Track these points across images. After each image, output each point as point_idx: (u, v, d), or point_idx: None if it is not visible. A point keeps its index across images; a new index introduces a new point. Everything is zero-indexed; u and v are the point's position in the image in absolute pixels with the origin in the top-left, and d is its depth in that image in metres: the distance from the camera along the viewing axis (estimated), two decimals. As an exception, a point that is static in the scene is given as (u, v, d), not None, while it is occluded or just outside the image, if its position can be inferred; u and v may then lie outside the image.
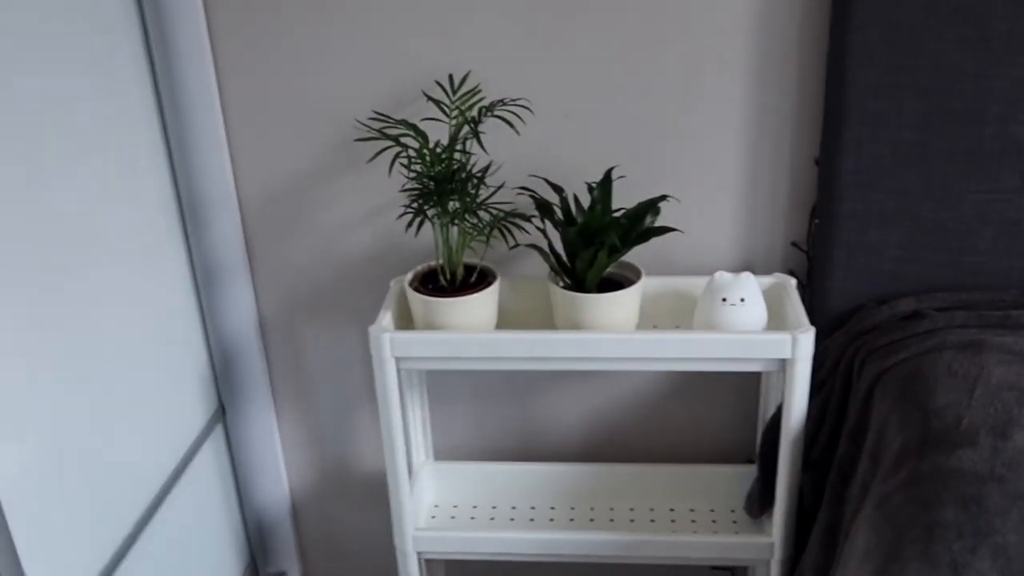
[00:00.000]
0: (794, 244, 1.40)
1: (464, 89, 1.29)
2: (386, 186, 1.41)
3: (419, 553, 1.40)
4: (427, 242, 1.40)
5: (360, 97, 1.37)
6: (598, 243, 1.21)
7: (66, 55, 1.15)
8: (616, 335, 1.23)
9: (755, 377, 1.49)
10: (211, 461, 1.54)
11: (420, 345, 1.25)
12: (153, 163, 1.36)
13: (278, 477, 1.66)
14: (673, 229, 1.25)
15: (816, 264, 1.34)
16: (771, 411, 1.41)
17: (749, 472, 1.48)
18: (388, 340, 1.24)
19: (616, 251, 1.23)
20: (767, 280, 1.34)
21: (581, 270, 1.23)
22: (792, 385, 1.23)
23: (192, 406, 1.48)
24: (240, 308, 1.52)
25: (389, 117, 1.27)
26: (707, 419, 1.55)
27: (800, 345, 1.20)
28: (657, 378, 1.53)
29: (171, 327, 1.42)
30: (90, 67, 1.20)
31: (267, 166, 1.44)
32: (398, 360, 1.26)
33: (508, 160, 1.37)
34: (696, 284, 1.36)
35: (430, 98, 1.30)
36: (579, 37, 1.32)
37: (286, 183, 1.45)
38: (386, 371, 1.26)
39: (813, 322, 1.24)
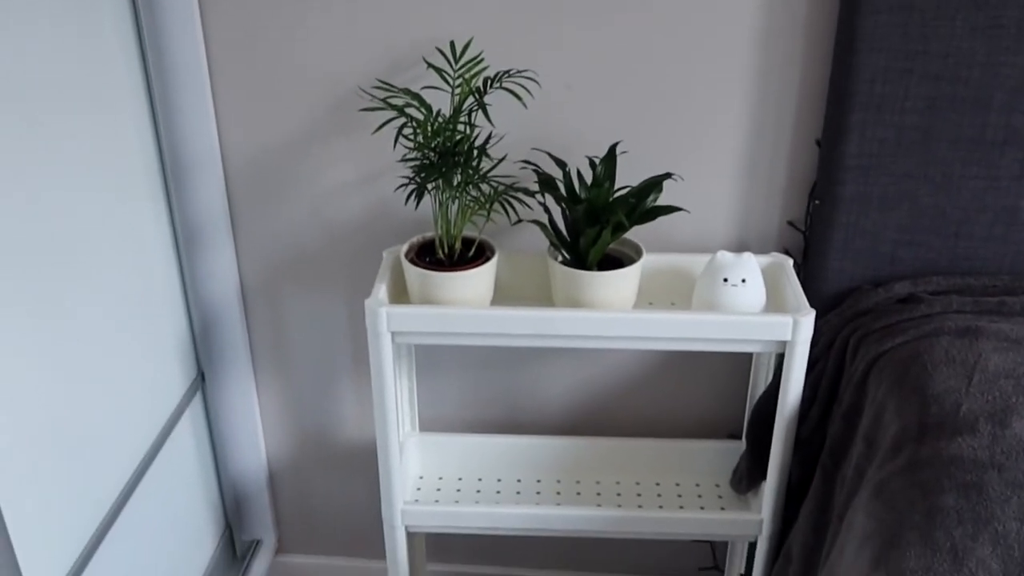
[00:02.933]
0: (790, 223, 1.40)
1: (466, 58, 1.25)
2: (378, 153, 1.38)
3: (406, 526, 1.39)
4: (419, 211, 1.37)
5: (353, 61, 1.33)
6: (603, 221, 1.19)
7: (48, 14, 1.09)
8: (623, 314, 1.21)
9: (745, 355, 1.49)
10: (190, 429, 1.51)
11: (418, 320, 1.23)
12: (137, 123, 1.31)
13: (256, 445, 1.63)
14: (679, 209, 1.24)
15: (813, 244, 1.34)
16: (759, 389, 1.42)
17: (733, 448, 1.49)
18: (385, 314, 1.22)
19: (621, 229, 1.21)
20: (764, 260, 1.34)
21: (584, 248, 1.21)
22: (790, 366, 1.23)
23: (172, 373, 1.44)
24: (222, 273, 1.48)
25: (392, 86, 1.23)
26: (693, 394, 1.55)
27: (801, 328, 1.20)
28: (646, 353, 1.53)
29: (151, 292, 1.37)
30: (74, 26, 1.15)
31: (254, 129, 1.40)
32: (394, 334, 1.24)
33: (509, 131, 1.34)
34: (691, 261, 1.35)
35: (431, 65, 1.26)
36: (582, 8, 1.29)
37: (273, 147, 1.41)
38: (381, 345, 1.24)
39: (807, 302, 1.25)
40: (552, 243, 1.27)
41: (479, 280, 1.26)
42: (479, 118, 1.24)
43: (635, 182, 1.28)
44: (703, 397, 1.55)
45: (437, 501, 1.46)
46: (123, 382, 1.29)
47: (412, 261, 1.26)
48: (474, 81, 1.23)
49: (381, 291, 1.26)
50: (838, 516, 1.16)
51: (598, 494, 1.47)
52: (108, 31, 1.23)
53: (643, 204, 1.23)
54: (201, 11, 1.32)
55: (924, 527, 0.96)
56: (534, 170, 1.27)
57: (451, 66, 1.24)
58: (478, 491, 1.48)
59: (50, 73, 1.10)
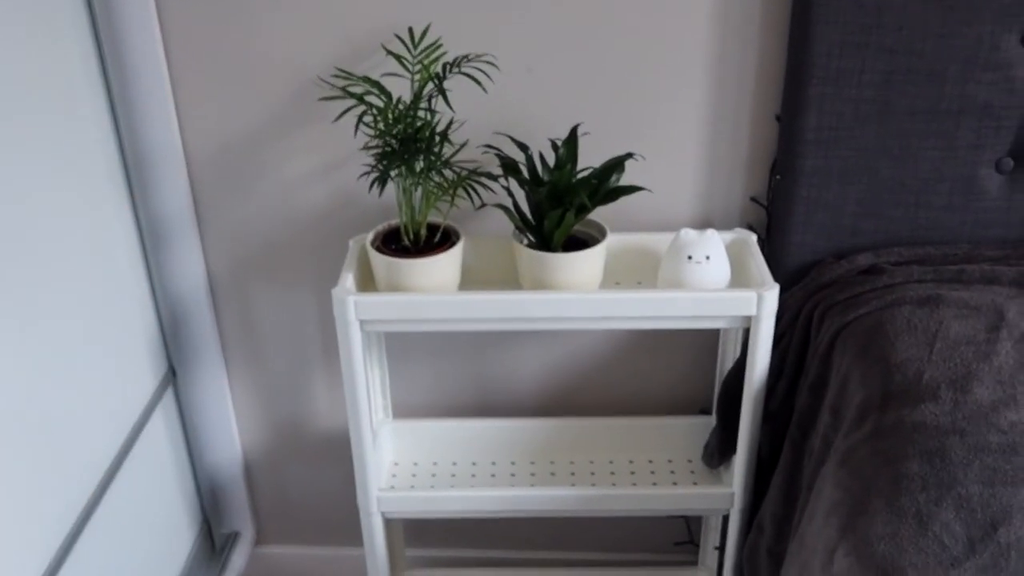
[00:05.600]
0: (753, 199, 1.41)
1: (425, 43, 1.25)
2: (341, 141, 1.38)
3: (383, 513, 1.40)
4: (384, 199, 1.37)
5: (312, 49, 1.33)
6: (567, 203, 1.20)
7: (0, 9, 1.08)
8: (589, 295, 1.22)
9: (713, 330, 1.50)
10: (163, 425, 1.51)
11: (386, 308, 1.23)
12: (95, 117, 1.30)
13: (230, 438, 1.63)
14: (642, 188, 1.25)
15: (775, 219, 1.35)
16: (728, 364, 1.43)
17: (704, 423, 1.51)
18: (352, 303, 1.22)
19: (584, 210, 1.22)
20: (728, 236, 1.35)
21: (548, 230, 1.22)
22: (756, 341, 1.24)
23: (142, 370, 1.44)
24: (189, 267, 1.48)
25: (351, 74, 1.23)
26: (663, 371, 1.56)
27: (765, 302, 1.21)
28: (614, 332, 1.54)
29: (118, 289, 1.37)
30: (27, 21, 1.13)
31: (215, 120, 1.39)
32: (362, 323, 1.24)
33: (470, 116, 1.34)
34: (657, 240, 1.36)
35: (390, 52, 1.26)
36: (540, -11, 1.29)
37: (235, 138, 1.40)
38: (350, 334, 1.24)
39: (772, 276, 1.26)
40: (517, 226, 1.27)
41: (445, 265, 1.26)
42: (440, 104, 1.24)
43: (597, 163, 1.28)
44: (673, 374, 1.57)
45: (412, 487, 1.47)
46: (93, 380, 1.28)
47: (378, 249, 1.27)
48: (433, 67, 1.23)
49: (348, 280, 1.26)
50: (807, 486, 1.18)
51: (572, 474, 1.49)
52: (63, 25, 1.21)
53: (605, 185, 1.24)
54: (158, 4, 1.31)
55: (889, 494, 0.98)
56: (496, 154, 1.27)
57: (410, 52, 1.24)
58: (453, 475, 1.49)
59: (3, 70, 1.08)
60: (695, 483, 1.45)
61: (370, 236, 1.30)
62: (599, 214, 1.28)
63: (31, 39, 1.14)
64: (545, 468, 1.50)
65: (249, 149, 1.40)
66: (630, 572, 1.70)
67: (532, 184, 1.24)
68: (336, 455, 1.65)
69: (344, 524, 1.71)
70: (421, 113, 1.21)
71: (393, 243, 1.29)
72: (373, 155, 1.22)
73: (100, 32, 1.29)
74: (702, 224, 1.42)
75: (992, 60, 1.22)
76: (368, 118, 1.21)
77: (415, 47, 1.24)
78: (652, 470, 1.49)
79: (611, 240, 1.29)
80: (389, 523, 1.46)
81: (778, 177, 1.33)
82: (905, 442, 1.02)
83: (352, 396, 1.29)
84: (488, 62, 1.26)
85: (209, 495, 1.66)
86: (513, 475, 1.49)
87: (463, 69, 1.21)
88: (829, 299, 1.28)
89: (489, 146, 1.30)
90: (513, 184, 1.27)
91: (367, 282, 1.33)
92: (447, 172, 1.25)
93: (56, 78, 1.20)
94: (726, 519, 1.42)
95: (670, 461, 1.50)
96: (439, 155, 1.23)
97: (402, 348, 1.55)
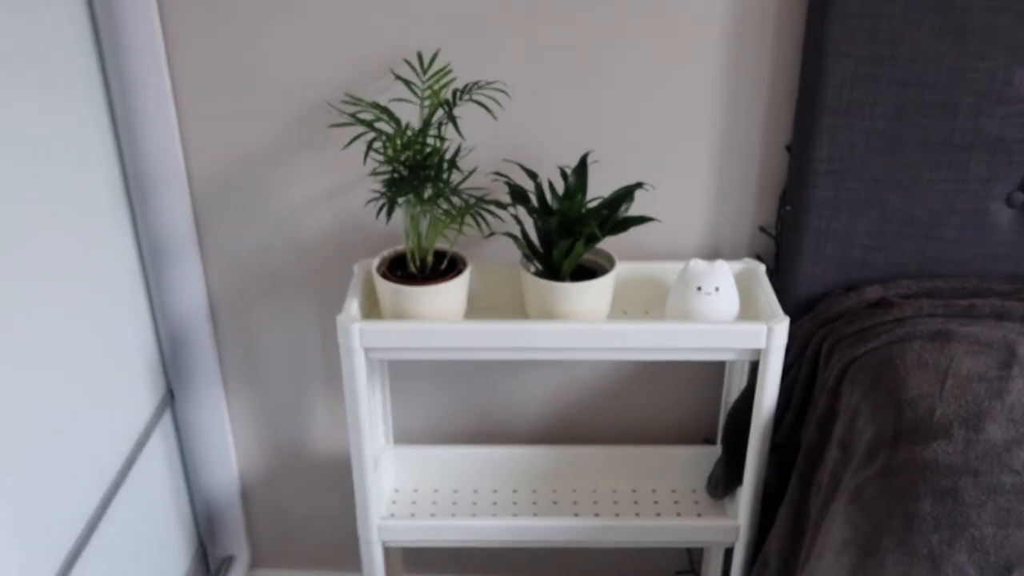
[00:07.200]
0: (762, 229, 1.40)
1: (434, 69, 1.24)
2: (347, 166, 1.36)
3: (383, 542, 1.38)
4: (389, 224, 1.35)
5: (320, 72, 1.31)
6: (576, 233, 1.18)
7: (2, 29, 1.06)
8: (596, 326, 1.21)
9: (719, 361, 1.49)
10: (161, 447, 1.49)
11: (391, 336, 1.21)
12: (97, 136, 1.28)
13: (228, 461, 1.61)
14: (651, 219, 1.23)
15: (784, 250, 1.34)
16: (734, 394, 1.42)
17: (708, 452, 1.50)
18: (357, 330, 1.20)
19: (594, 240, 1.21)
20: (736, 266, 1.34)
21: (557, 259, 1.21)
22: (765, 373, 1.23)
23: (141, 392, 1.42)
24: (189, 289, 1.46)
25: (361, 100, 1.21)
26: (667, 400, 1.55)
27: (775, 335, 1.20)
28: (620, 361, 1.53)
29: (117, 310, 1.35)
30: (29, 34, 1.11)
31: (219, 141, 1.37)
32: (367, 350, 1.22)
33: (479, 143, 1.33)
34: (665, 269, 1.35)
35: (399, 77, 1.24)
36: (549, 17, 1.28)
37: (240, 160, 1.39)
38: (355, 361, 1.22)
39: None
40: (525, 255, 1.26)
41: (452, 293, 1.25)
42: (449, 130, 1.23)
43: (606, 191, 1.27)
44: (677, 403, 1.55)
45: (413, 515, 1.45)
46: (91, 402, 1.26)
47: (384, 275, 1.25)
48: (443, 93, 1.21)
49: (353, 306, 1.24)
50: (815, 522, 1.17)
51: (575, 503, 1.47)
52: (65, 42, 1.20)
53: (615, 215, 1.23)
54: (163, 24, 1.30)
55: (901, 533, 0.96)
56: (505, 182, 1.26)
57: (419, 78, 1.23)
58: (454, 503, 1.47)
59: (6, 88, 1.07)
60: (699, 514, 1.44)
61: (376, 262, 1.28)
62: (607, 242, 1.27)
63: (32, 56, 1.12)
64: (547, 496, 1.48)
65: (253, 171, 1.39)
66: (630, 601, 1.69)
67: (541, 213, 1.23)
68: (334, 479, 1.63)
69: (341, 549, 1.70)
70: (430, 140, 1.20)
71: (399, 269, 1.28)
72: (381, 181, 1.20)
73: (104, 50, 1.27)
74: (710, 253, 1.41)
75: (1005, 94, 1.21)
76: (377, 144, 1.19)
77: (424, 72, 1.23)
78: (655, 500, 1.47)
79: (620, 269, 1.28)
80: (388, 550, 1.44)
81: (788, 208, 1.32)
82: (917, 480, 1.01)
83: (355, 423, 1.27)
84: (498, 89, 1.25)
85: (205, 518, 1.64)
86: (515, 503, 1.47)
87: (473, 96, 1.20)
88: (838, 332, 1.26)
89: (498, 173, 1.29)
90: (521, 212, 1.26)
91: (372, 308, 1.31)
92: (455, 199, 1.23)
93: (58, 96, 1.18)
94: (729, 550, 1.41)
95: (674, 491, 1.49)
96: (447, 182, 1.21)
97: (404, 373, 1.54)
